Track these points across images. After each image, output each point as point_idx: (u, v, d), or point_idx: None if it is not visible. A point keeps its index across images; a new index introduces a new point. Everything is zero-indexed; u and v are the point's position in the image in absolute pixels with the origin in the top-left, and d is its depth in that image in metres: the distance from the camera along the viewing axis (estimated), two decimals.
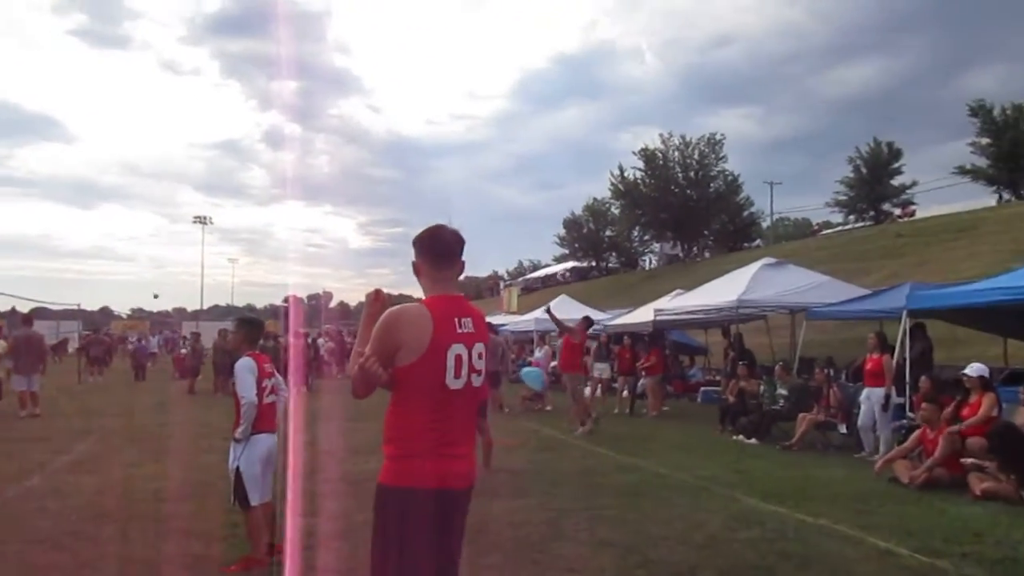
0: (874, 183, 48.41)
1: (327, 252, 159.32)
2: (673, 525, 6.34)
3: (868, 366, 10.51)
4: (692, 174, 51.41)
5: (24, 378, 14.32)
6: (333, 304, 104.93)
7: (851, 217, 50.78)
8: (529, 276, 75.54)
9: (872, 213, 49.06)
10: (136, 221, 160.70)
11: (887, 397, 10.01)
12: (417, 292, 2.94)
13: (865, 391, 10.43)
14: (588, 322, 13.54)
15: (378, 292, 2.92)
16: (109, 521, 6.34)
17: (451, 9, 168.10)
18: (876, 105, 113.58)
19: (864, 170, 48.77)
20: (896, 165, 48.49)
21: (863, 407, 10.41)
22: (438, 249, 2.84)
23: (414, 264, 2.87)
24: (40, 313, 31.04)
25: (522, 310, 33.77)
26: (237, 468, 4.92)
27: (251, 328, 5.30)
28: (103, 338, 29.12)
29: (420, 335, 2.62)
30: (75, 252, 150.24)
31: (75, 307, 33.56)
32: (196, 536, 5.85)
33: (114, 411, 15.37)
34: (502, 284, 64.87)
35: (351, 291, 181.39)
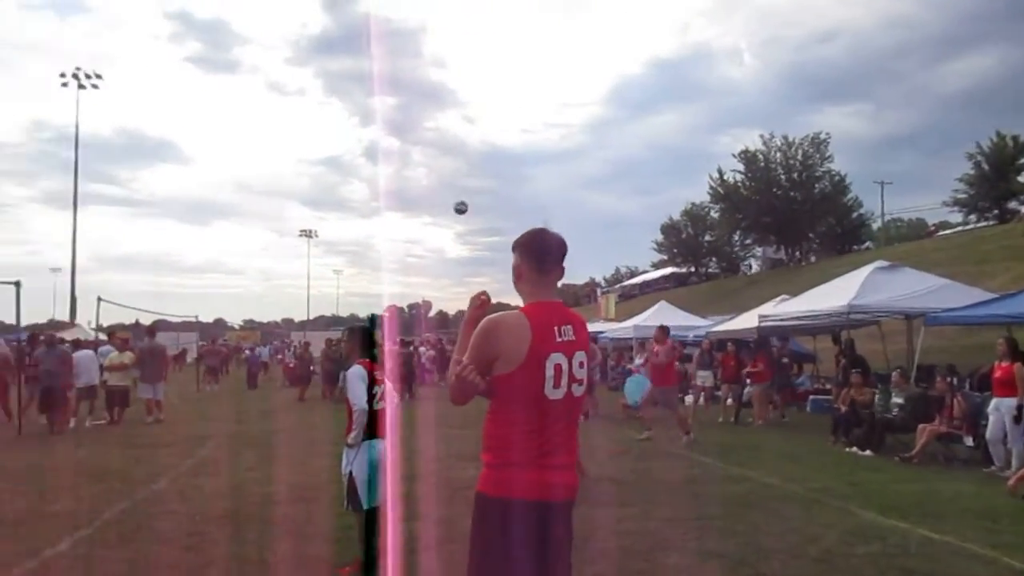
0: (997, 180, 45.34)
1: (426, 262, 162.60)
2: (785, 538, 6.12)
3: (997, 374, 9.84)
4: (796, 175, 49.77)
5: (149, 386, 15.23)
6: (432, 313, 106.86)
7: (972, 216, 47.79)
8: (626, 283, 74.82)
9: (995, 212, 46.04)
10: (247, 236, 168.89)
11: (1020, 408, 9.34)
12: (515, 300, 2.88)
13: (994, 401, 9.78)
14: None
15: (484, 296, 2.90)
16: (229, 523, 6.65)
17: (544, 19, 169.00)
18: (996, 97, 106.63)
19: (986, 166, 45.74)
20: (1023, 160, 45.35)
21: (992, 418, 9.75)
22: (542, 253, 2.79)
23: (515, 268, 2.81)
24: (161, 325, 32.88)
25: (620, 317, 33.46)
26: (350, 473, 5.06)
27: (362, 336, 5.45)
28: (219, 348, 30.64)
29: (518, 344, 2.58)
30: (192, 267, 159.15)
31: (193, 319, 35.40)
32: (310, 538, 6.07)
33: (230, 418, 16.12)
34: (599, 291, 64.44)
35: (449, 300, 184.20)
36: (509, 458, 2.60)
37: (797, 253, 54.75)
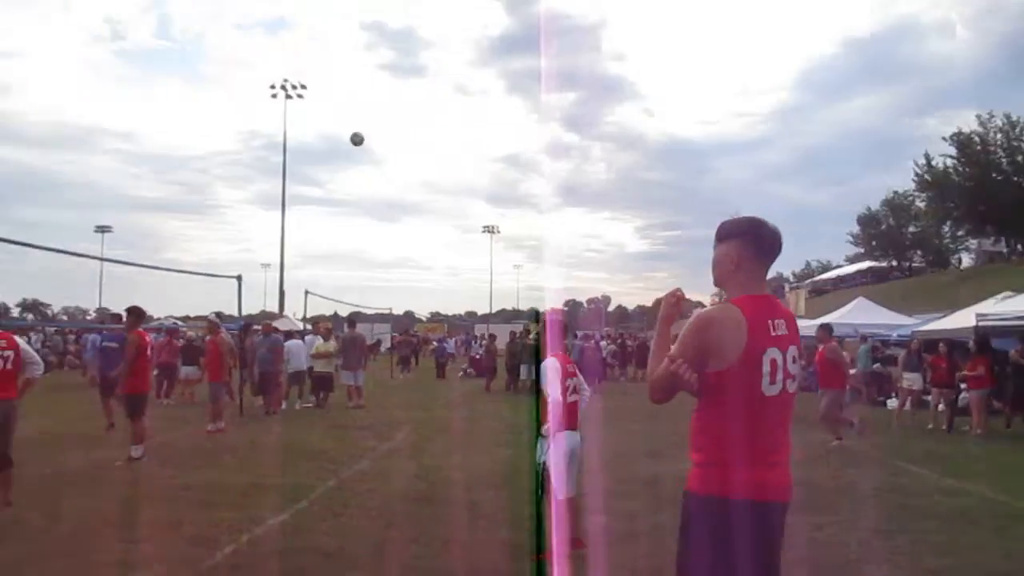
0: None
1: (604, 257, 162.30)
2: (1017, 560, 5.50)
3: None
4: (1021, 159, 44.57)
5: (351, 373, 16.34)
6: (611, 308, 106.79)
7: None
8: (818, 278, 70.61)
9: None
10: (434, 233, 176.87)
11: None
12: (700, 295, 2.75)
13: None
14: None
15: (679, 293, 2.83)
16: (427, 504, 6.98)
17: (727, 4, 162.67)
18: None
19: None
20: None
21: None
22: (765, 243, 2.66)
23: (726, 258, 2.67)
24: (358, 316, 35.23)
25: (811, 314, 31.66)
26: (544, 462, 5.15)
27: (557, 330, 5.51)
28: (410, 339, 32.37)
29: (734, 339, 2.48)
30: (384, 262, 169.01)
31: (387, 311, 37.63)
32: (504, 523, 6.23)
33: (422, 405, 16.96)
34: (787, 287, 61.34)
35: (628, 295, 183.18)
36: (723, 457, 2.52)
37: (1020, 246, 49.10)
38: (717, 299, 3.27)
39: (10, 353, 6.77)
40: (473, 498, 7.20)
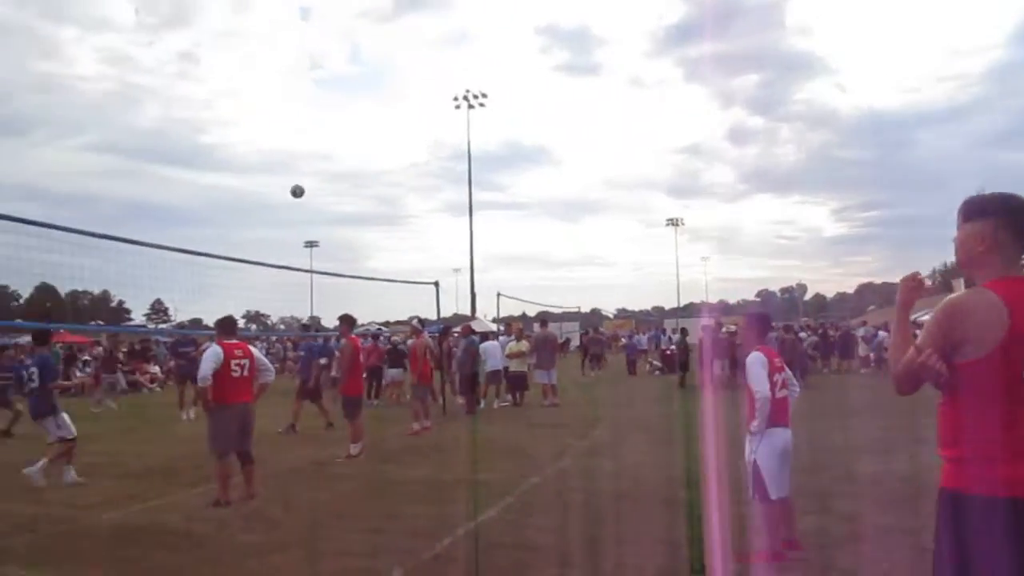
0: None
1: (798, 243, 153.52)
2: None
3: None
4: None
5: (544, 372, 16.63)
6: (808, 296, 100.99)
7: None
8: None
9: None
10: (617, 229, 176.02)
11: None
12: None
13: None
14: None
15: (919, 277, 2.61)
16: (633, 501, 6.94)
17: None
18: None
19: None
20: None
21: None
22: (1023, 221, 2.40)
23: (979, 237, 2.42)
24: (546, 316, 35.85)
25: None
26: (754, 461, 4.95)
27: (759, 323, 5.29)
28: (599, 337, 32.39)
29: (993, 327, 2.24)
30: (568, 261, 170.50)
31: (575, 309, 38.02)
32: (713, 523, 6.05)
33: (615, 402, 16.92)
34: None
35: (824, 282, 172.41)
36: (980, 452, 2.29)
37: None
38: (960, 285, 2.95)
39: (246, 361, 7.54)
40: (679, 496, 7.05)
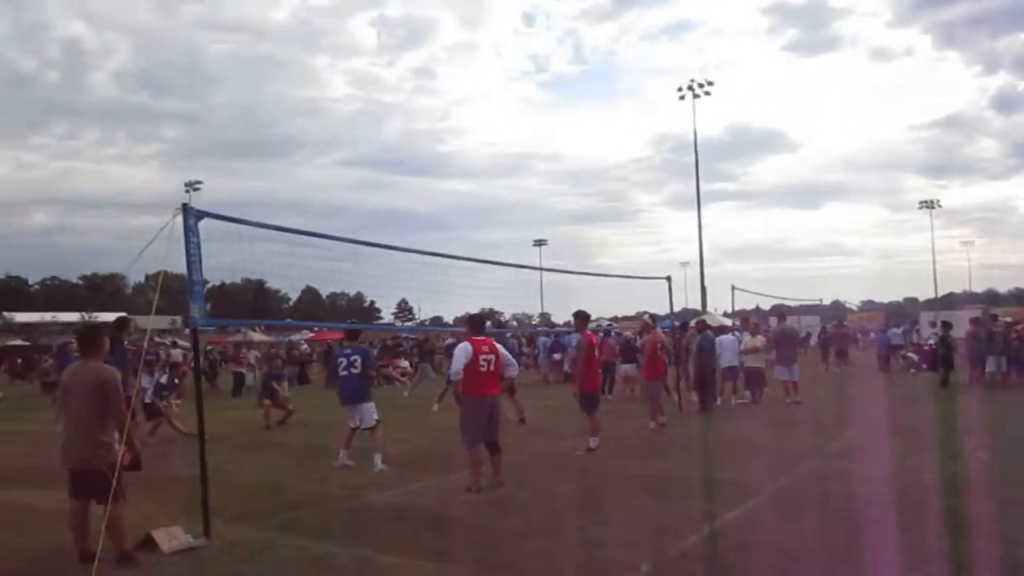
0: None
1: None
2: None
3: None
4: None
5: (785, 368, 15.80)
6: None
7: None
8: None
9: None
10: (860, 215, 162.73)
11: None
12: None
13: None
14: None
15: None
16: (897, 510, 6.39)
17: None
18: None
19: None
20: None
21: None
22: None
23: None
24: (782, 309, 34.01)
25: None
26: None
27: None
28: (844, 330, 30.22)
29: None
30: (806, 251, 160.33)
31: (815, 302, 35.72)
32: (986, 535, 5.44)
33: (866, 401, 15.68)
34: None
35: None
36: None
37: None
38: None
39: (492, 357, 7.96)
40: (952, 506, 6.41)
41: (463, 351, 7.85)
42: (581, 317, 11.23)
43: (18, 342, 53.54)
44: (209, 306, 6.44)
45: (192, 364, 9.91)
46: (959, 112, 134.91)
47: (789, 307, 41.48)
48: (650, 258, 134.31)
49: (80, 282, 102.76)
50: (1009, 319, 23.99)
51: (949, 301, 74.01)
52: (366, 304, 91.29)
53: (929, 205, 73.46)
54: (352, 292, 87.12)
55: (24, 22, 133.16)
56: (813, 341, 33.06)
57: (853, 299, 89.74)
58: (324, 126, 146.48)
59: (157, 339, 26.43)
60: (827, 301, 67.05)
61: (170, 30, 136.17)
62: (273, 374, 16.20)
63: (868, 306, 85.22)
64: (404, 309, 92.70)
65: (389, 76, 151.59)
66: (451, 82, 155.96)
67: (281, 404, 15.09)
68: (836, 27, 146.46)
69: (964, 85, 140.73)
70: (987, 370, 17.30)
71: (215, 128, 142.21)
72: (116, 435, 5.50)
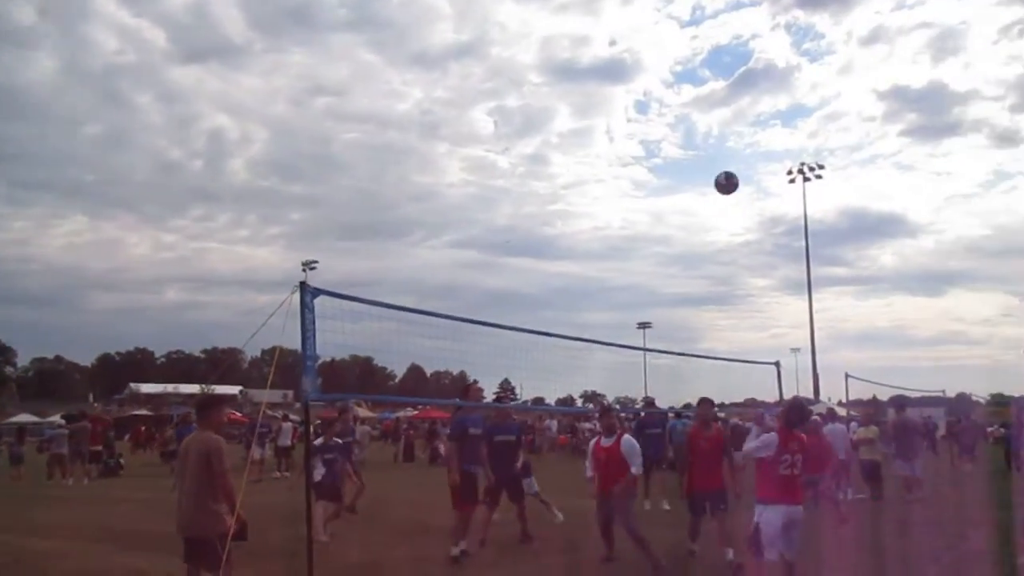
0: None
1: None
2: None
3: None
4: None
5: (906, 463, 14.82)
6: None
7: None
8: None
9: None
10: (985, 302, 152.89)
11: None
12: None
13: None
14: None
15: None
16: None
17: None
18: None
19: None
20: None
21: None
22: None
23: None
24: (900, 399, 32.04)
25: None
26: None
27: None
28: (970, 425, 28.13)
29: None
30: (926, 339, 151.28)
31: (939, 393, 33.53)
32: None
33: (1000, 501, 14.43)
34: None
35: None
36: None
37: None
38: None
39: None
40: None
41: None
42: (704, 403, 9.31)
43: (142, 412, 56.73)
44: (320, 381, 6.70)
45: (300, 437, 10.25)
46: None
47: (909, 398, 39.05)
48: (759, 343, 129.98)
49: (201, 356, 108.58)
50: None
51: None
52: (469, 382, 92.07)
53: None
54: (456, 371, 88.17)
55: (175, 114, 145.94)
56: (939, 434, 31.00)
57: (981, 391, 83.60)
58: (438, 209, 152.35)
59: (269, 412, 27.49)
60: (950, 393, 62.74)
61: (301, 119, 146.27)
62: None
63: (998, 399, 79.12)
64: (506, 389, 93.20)
65: (503, 162, 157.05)
66: (562, 167, 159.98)
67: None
68: (957, 112, 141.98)
69: None
70: None
71: (336, 210, 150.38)
72: (225, 506, 5.69)
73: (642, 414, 16.23)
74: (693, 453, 8.68)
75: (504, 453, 9.77)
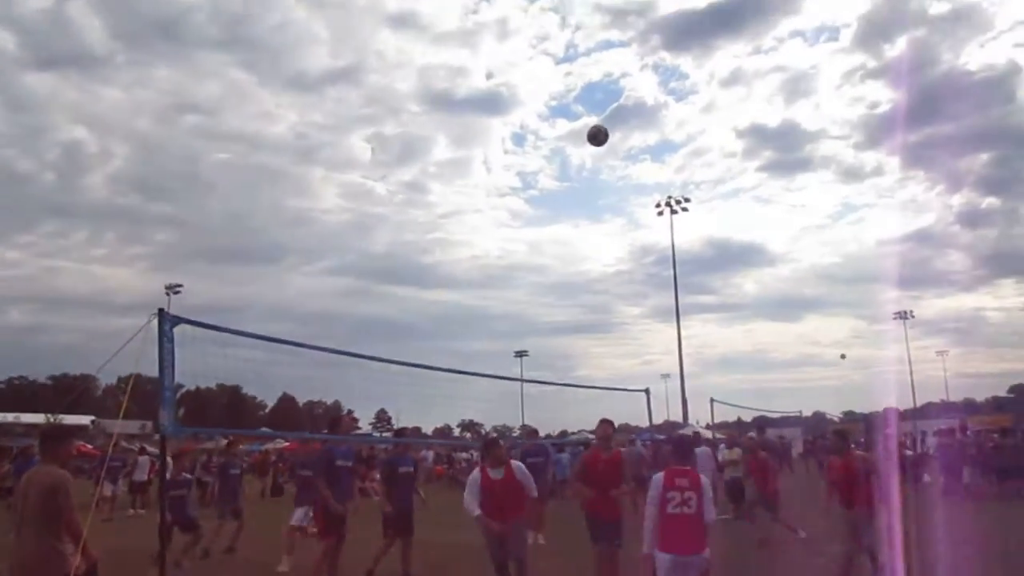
0: None
1: None
2: None
3: None
4: None
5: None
6: None
7: None
8: None
9: None
10: (837, 326, 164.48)
11: None
12: None
13: None
14: None
15: None
16: None
17: None
18: None
19: None
20: None
21: None
22: None
23: None
24: (762, 421, 33.78)
25: None
26: None
27: None
28: (825, 443, 29.97)
29: None
30: (785, 362, 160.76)
31: (795, 414, 35.60)
32: None
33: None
34: None
35: None
36: None
37: None
38: None
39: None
40: None
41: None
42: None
43: None
44: (182, 411, 6.25)
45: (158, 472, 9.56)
46: (928, 227, 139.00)
47: (771, 419, 41.23)
48: (632, 370, 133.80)
49: (48, 382, 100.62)
50: (979, 428, 24.08)
51: (930, 410, 74.14)
52: (344, 413, 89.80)
53: (903, 316, 74.78)
54: (330, 400, 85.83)
55: (24, 123, 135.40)
56: (796, 453, 32.80)
57: (834, 410, 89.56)
58: (313, 235, 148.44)
59: (124, 444, 25.71)
60: (808, 412, 66.87)
61: (167, 136, 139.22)
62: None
63: (850, 417, 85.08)
64: (382, 419, 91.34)
65: (380, 189, 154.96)
66: (440, 196, 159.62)
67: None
68: (809, 149, 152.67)
69: (931, 202, 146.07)
70: (964, 480, 17.21)
71: (204, 232, 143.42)
72: (70, 545, 5.23)
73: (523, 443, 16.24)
74: (590, 476, 8.17)
75: (406, 484, 9.70)
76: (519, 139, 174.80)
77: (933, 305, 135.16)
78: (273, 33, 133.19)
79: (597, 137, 11.02)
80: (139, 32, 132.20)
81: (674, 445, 6.88)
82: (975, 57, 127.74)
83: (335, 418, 10.20)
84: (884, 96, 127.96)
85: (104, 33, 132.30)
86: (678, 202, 51.94)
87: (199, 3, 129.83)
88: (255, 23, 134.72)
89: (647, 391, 15.67)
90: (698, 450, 16.34)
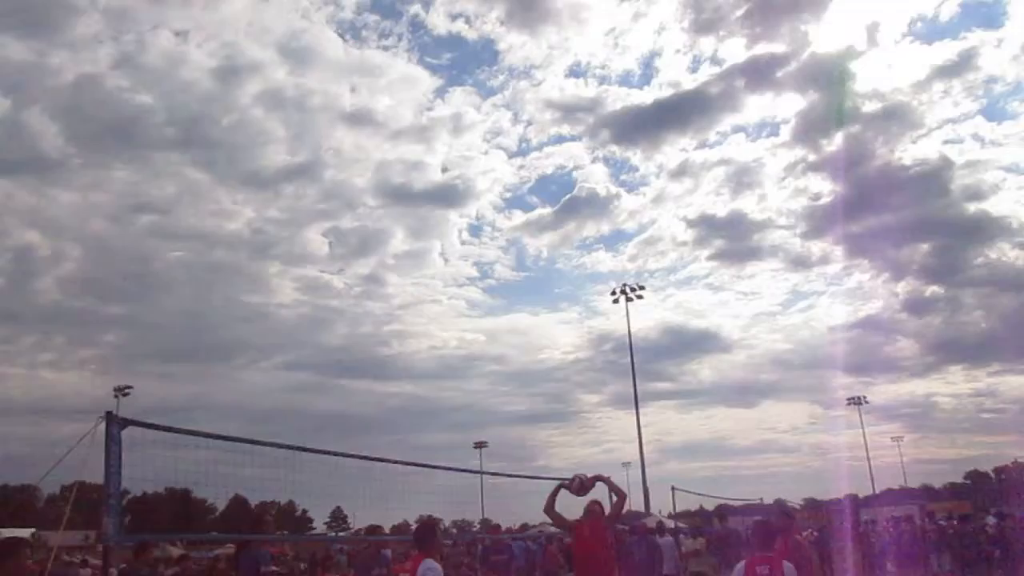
0: None
1: (1007, 416, 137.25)
2: None
3: None
4: None
5: (729, 570, 15.40)
6: None
7: None
8: None
9: None
10: (794, 412, 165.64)
11: None
12: None
13: None
14: None
15: None
16: None
17: None
18: None
19: None
20: None
21: None
22: None
23: None
24: (723, 509, 33.59)
25: None
26: None
27: None
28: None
29: None
30: (744, 449, 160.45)
31: (756, 501, 35.47)
32: None
33: None
34: None
35: None
36: None
37: None
38: None
39: None
40: None
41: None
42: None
43: None
44: (128, 519, 6.10)
45: None
46: (876, 314, 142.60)
47: (732, 506, 40.90)
48: (593, 459, 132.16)
49: None
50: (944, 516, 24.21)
51: (889, 497, 74.22)
52: (298, 513, 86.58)
53: (857, 402, 75.68)
54: (284, 500, 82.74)
55: None
56: None
57: (795, 496, 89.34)
58: (268, 330, 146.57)
59: (66, 557, 24.45)
60: (769, 499, 66.55)
61: (121, 236, 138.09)
62: None
63: (811, 503, 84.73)
64: (338, 518, 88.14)
65: (337, 282, 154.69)
66: (398, 288, 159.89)
67: None
68: (757, 238, 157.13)
69: (877, 290, 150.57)
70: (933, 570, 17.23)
71: (156, 332, 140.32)
72: None
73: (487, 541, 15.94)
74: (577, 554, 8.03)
75: None
76: (475, 230, 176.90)
77: (886, 391, 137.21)
78: (230, 132, 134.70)
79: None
80: (95, 135, 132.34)
81: (755, 532, 6.79)
82: (909, 152, 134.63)
83: (257, 517, 9.85)
84: (825, 188, 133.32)
85: (60, 138, 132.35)
86: (633, 290, 52.78)
87: (156, 105, 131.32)
88: (212, 123, 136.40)
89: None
90: (661, 540, 16.20)
